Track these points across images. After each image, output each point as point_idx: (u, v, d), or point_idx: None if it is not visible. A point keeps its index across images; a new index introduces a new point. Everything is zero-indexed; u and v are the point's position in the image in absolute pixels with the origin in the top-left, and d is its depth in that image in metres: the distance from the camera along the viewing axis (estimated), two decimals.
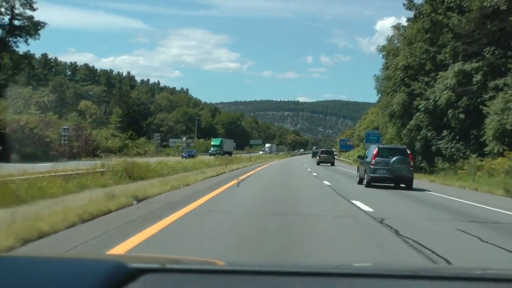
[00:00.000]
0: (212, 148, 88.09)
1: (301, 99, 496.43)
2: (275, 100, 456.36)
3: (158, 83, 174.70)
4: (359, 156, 24.34)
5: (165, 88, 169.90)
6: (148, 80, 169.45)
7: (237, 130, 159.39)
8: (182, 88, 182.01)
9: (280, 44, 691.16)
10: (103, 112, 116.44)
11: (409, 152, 19.75)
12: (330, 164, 52.12)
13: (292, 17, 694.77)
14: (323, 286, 1.35)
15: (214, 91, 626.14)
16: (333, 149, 72.78)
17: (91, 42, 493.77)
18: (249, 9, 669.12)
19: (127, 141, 64.45)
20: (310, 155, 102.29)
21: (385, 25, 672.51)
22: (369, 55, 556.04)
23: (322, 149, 60.50)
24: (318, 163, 52.61)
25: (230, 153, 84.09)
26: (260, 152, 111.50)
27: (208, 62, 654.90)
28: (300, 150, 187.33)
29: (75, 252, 5.47)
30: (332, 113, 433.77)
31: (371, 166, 18.86)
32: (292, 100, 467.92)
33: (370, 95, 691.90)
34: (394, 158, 18.68)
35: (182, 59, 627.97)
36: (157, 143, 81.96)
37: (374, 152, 19.19)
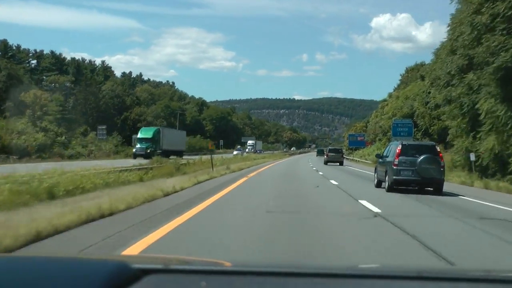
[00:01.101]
0: (138, 145, 52.76)
1: (297, 97, 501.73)
2: (270, 98, 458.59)
3: (141, 75, 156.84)
4: (377, 155, 21.30)
5: (148, 82, 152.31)
6: (130, 72, 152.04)
7: (228, 126, 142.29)
8: (168, 81, 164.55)
9: (275, 42, 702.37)
10: (71, 106, 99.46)
11: (438, 150, 17.26)
12: (338, 164, 48.72)
13: (286, 15, 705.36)
14: (326, 287, 1.36)
15: (209, 90, 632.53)
16: (342, 147, 68.51)
17: (85, 41, 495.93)
18: (243, 8, 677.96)
19: (60, 138, 47.46)
20: (310, 154, 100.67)
21: (380, 22, 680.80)
22: (364, 52, 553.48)
23: (330, 148, 56.21)
24: (325, 163, 49.23)
25: (179, 153, 57.47)
26: (235, 152, 79.39)
27: (203, 61, 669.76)
28: (292, 149, 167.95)
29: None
30: (329, 110, 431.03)
31: (394, 167, 16.60)
32: (288, 98, 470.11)
33: (366, 92, 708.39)
34: (422, 157, 16.38)
35: (177, 58, 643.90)
36: (102, 138, 62.47)
37: (397, 150, 16.84)
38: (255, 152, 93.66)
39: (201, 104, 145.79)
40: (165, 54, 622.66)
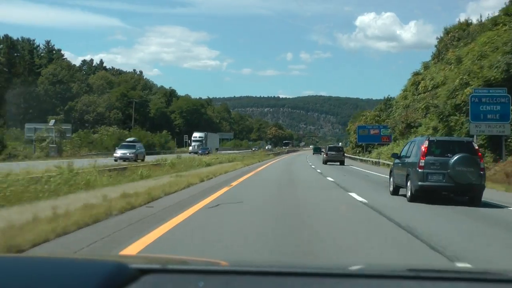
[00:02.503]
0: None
1: (282, 96, 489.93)
2: (254, 96, 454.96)
3: (102, 62, 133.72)
4: (394, 155, 17.27)
5: (110, 70, 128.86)
6: (91, 60, 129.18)
7: (201, 120, 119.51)
8: (134, 70, 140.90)
9: (260, 41, 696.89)
10: None
11: (476, 147, 14.11)
12: (339, 163, 44.23)
13: (271, 14, 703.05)
14: (323, 286, 1.36)
15: (192, 88, 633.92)
16: (341, 145, 65.26)
17: (67, 40, 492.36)
18: (227, 7, 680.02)
19: None
20: (301, 154, 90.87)
21: (365, 21, 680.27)
22: (349, 51, 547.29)
23: (329, 146, 52.76)
24: (325, 162, 45.12)
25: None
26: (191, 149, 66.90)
27: (187, 59, 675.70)
28: (266, 146, 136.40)
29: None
30: (314, 109, 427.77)
31: (419, 170, 13.38)
32: (272, 96, 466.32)
33: (352, 91, 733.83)
34: (456, 157, 13.15)
35: (161, 57, 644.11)
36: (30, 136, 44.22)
37: (423, 149, 13.55)
38: (202, 152, 63.76)
39: (170, 95, 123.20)
40: (149, 53, 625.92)
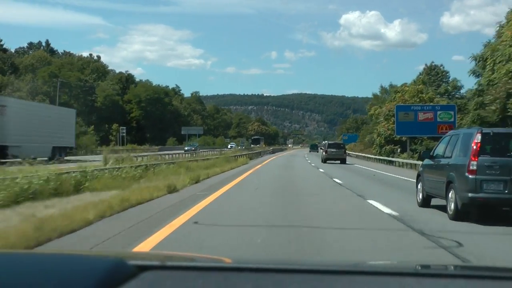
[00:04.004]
0: None
1: (266, 93, 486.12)
2: (238, 94, 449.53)
3: (47, 42, 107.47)
4: (424, 154, 13.91)
5: (57, 53, 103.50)
6: (39, 42, 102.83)
7: (164, 112, 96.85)
8: (90, 54, 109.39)
9: (244, 40, 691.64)
10: None
11: None
12: (339, 162, 40.29)
13: (255, 13, 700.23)
14: (323, 284, 1.36)
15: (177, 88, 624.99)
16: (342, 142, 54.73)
17: (49, 38, 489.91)
18: (210, 5, 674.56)
19: None
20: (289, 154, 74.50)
21: (350, 19, 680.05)
22: (333, 49, 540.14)
23: (329, 142, 46.21)
24: (324, 161, 40.91)
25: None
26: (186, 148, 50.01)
27: (171, 58, 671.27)
28: (231, 146, 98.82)
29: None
30: (299, 107, 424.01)
31: (469, 176, 9.78)
32: (256, 93, 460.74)
33: (337, 89, 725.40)
34: None
35: (145, 56, 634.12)
36: None
37: (474, 146, 9.94)
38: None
39: (126, 81, 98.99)
40: (132, 52, 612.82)
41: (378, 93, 70.16)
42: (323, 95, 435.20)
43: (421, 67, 56.65)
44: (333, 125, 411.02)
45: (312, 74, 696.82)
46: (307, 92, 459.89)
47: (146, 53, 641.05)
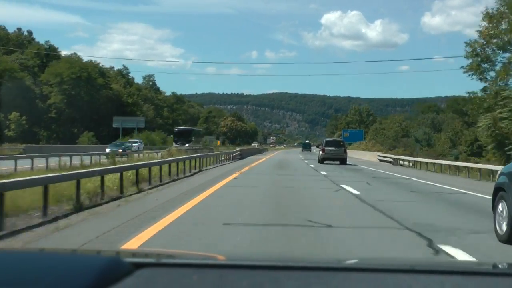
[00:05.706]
0: None
1: (246, 93, 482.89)
2: (217, 93, 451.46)
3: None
4: (510, 166, 8.29)
5: None
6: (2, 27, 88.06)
7: (95, 97, 77.58)
8: (20, 30, 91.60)
9: (224, 40, 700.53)
10: None
11: None
12: (338, 162, 37.38)
13: (235, 13, 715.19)
14: (320, 280, 1.37)
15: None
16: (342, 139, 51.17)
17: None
18: (190, 5, 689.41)
19: None
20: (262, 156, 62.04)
21: (331, 19, 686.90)
22: (314, 49, 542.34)
23: (326, 140, 43.08)
24: (321, 161, 37.77)
25: None
26: (108, 150, 36.32)
27: (151, 57, 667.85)
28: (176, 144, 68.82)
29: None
30: (279, 106, 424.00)
31: None
32: (236, 93, 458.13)
33: (318, 88, 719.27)
34: None
35: (124, 55, 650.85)
36: None
37: None
38: None
39: (46, 56, 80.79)
40: (112, 50, 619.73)
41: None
42: (304, 94, 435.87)
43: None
44: (315, 125, 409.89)
45: (293, 73, 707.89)
46: (288, 92, 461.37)
47: (126, 52, 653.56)
